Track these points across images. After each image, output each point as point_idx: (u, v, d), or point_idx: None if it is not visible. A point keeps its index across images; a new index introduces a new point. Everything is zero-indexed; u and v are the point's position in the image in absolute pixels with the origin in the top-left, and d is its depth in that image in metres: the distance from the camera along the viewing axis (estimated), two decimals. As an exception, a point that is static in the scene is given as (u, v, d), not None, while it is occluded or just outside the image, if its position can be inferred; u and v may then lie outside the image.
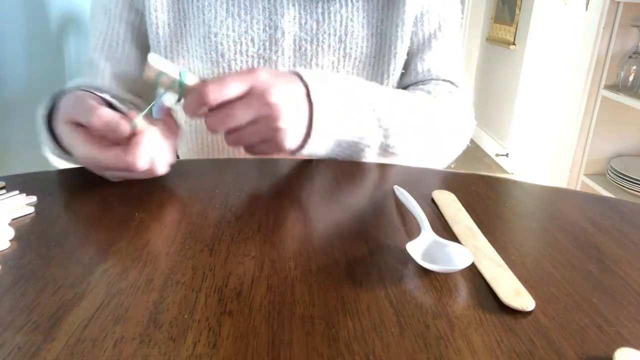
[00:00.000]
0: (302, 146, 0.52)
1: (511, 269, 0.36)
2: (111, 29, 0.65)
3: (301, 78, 0.51)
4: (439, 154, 0.65)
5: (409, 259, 0.37)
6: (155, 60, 0.46)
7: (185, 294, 0.32)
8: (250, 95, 0.46)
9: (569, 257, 0.39)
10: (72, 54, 1.55)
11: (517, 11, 2.76)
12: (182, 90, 0.47)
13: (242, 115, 0.46)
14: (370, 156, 0.58)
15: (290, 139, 0.50)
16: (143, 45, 0.67)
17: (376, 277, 0.35)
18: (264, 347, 0.28)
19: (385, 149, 0.58)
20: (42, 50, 1.48)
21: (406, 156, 0.59)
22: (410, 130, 0.58)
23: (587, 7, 1.94)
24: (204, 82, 0.45)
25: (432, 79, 0.69)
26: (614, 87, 1.76)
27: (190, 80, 0.47)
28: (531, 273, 0.36)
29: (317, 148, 0.53)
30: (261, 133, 0.48)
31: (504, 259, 0.38)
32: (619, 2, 1.70)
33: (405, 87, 0.70)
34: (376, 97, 0.57)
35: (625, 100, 1.65)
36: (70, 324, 0.29)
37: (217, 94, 0.44)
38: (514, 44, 2.80)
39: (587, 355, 0.28)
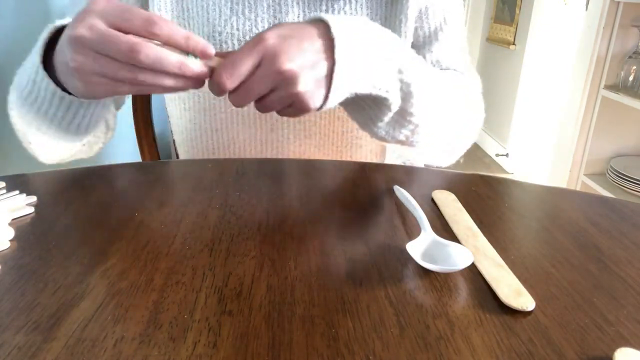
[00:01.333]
0: (325, 101, 0.49)
1: (511, 269, 0.36)
2: None
3: (328, 29, 0.48)
4: (453, 135, 0.63)
5: (408, 259, 0.37)
6: None
7: (185, 294, 0.32)
8: (262, 66, 0.44)
9: (569, 257, 0.39)
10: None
11: (517, 11, 2.76)
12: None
13: (259, 88, 0.45)
14: (386, 121, 0.54)
15: (313, 100, 0.47)
16: None
17: (376, 277, 0.35)
18: (264, 347, 0.28)
19: (402, 112, 0.53)
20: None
21: (421, 129, 0.56)
22: (428, 93, 0.55)
23: (587, 7, 1.94)
24: (219, 65, 0.43)
25: (440, 69, 0.68)
26: (614, 87, 1.76)
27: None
28: (531, 273, 0.36)
29: (339, 99, 0.51)
30: (283, 99, 0.46)
31: (504, 259, 0.38)
32: (619, 2, 1.70)
33: None
34: (401, 53, 0.53)
35: (625, 100, 1.65)
36: (70, 324, 0.29)
37: (232, 79, 0.43)
38: (514, 44, 2.80)
39: (587, 355, 0.28)
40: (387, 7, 0.64)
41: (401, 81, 0.51)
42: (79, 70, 0.42)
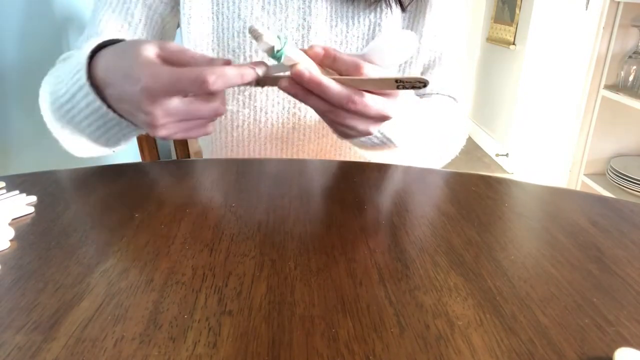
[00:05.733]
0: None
1: (511, 269, 0.36)
2: (125, 8, 0.63)
3: None
4: (433, 158, 0.70)
5: (408, 258, 0.37)
6: (258, 28, 0.42)
7: (185, 294, 0.32)
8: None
9: (569, 257, 0.39)
10: (72, 54, 1.55)
11: (517, 11, 2.76)
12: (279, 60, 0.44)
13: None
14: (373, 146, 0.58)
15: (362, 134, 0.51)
16: (156, 34, 0.66)
17: (376, 277, 0.35)
18: (264, 347, 0.28)
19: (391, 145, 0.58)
20: (42, 49, 1.48)
21: (402, 154, 0.61)
22: (422, 137, 0.62)
23: (587, 7, 1.94)
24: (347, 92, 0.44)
25: (437, 94, 0.74)
26: (614, 87, 1.76)
27: (290, 56, 0.43)
28: (531, 273, 0.36)
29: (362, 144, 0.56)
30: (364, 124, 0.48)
31: (504, 259, 0.38)
32: (619, 2, 1.70)
33: None
34: (413, 107, 0.59)
35: (625, 100, 1.65)
36: (70, 324, 0.29)
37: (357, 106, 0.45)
38: (514, 44, 2.80)
39: (587, 355, 0.28)
40: (408, 20, 0.68)
41: (408, 126, 0.57)
42: (156, 119, 0.43)
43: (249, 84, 0.45)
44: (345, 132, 0.51)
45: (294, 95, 0.45)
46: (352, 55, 0.45)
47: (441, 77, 0.73)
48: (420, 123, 0.61)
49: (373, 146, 0.57)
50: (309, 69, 0.43)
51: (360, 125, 0.47)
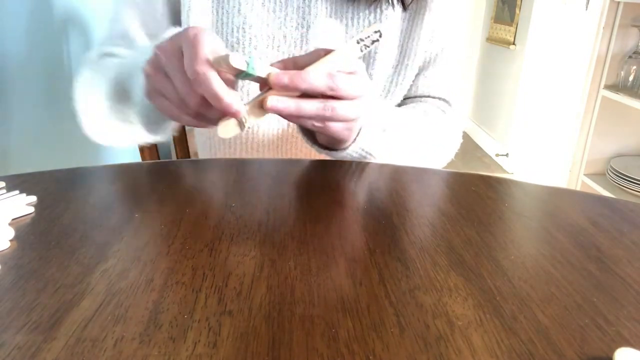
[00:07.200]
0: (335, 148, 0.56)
1: (511, 269, 0.36)
2: (151, 6, 0.66)
3: None
4: (420, 164, 0.70)
5: (408, 258, 0.37)
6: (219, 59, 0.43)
7: (185, 294, 0.32)
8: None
9: (569, 257, 0.39)
10: (73, 53, 1.55)
11: (517, 11, 2.76)
12: (255, 77, 0.45)
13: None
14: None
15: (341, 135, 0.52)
16: (179, 22, 0.67)
17: (376, 277, 0.35)
18: (264, 347, 0.28)
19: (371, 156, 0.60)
20: (42, 49, 1.48)
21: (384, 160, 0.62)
22: (402, 148, 0.63)
23: (587, 7, 1.94)
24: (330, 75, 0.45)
25: (429, 96, 0.74)
26: (614, 87, 1.76)
27: (261, 69, 0.45)
28: (531, 273, 0.36)
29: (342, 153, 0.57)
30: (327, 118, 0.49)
31: (504, 259, 0.38)
32: (619, 2, 1.70)
33: (404, 99, 0.74)
34: (390, 119, 0.60)
35: (625, 100, 1.65)
36: (70, 324, 0.29)
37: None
38: (514, 44, 2.81)
39: (587, 355, 0.28)
40: (407, 23, 0.68)
41: (384, 139, 0.58)
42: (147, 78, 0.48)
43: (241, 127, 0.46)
44: (341, 132, 0.50)
45: (284, 111, 0.45)
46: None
47: (434, 79, 0.73)
48: (401, 134, 0.61)
49: (353, 160, 0.57)
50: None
51: (350, 110, 0.48)
